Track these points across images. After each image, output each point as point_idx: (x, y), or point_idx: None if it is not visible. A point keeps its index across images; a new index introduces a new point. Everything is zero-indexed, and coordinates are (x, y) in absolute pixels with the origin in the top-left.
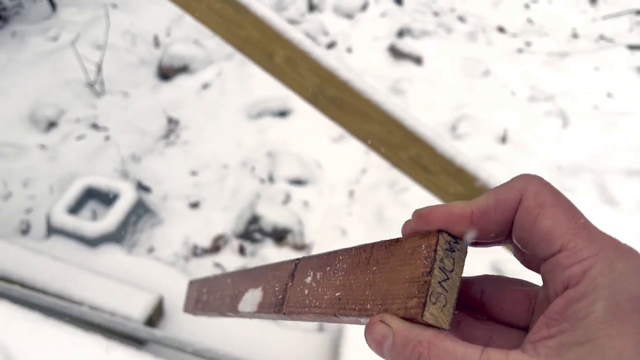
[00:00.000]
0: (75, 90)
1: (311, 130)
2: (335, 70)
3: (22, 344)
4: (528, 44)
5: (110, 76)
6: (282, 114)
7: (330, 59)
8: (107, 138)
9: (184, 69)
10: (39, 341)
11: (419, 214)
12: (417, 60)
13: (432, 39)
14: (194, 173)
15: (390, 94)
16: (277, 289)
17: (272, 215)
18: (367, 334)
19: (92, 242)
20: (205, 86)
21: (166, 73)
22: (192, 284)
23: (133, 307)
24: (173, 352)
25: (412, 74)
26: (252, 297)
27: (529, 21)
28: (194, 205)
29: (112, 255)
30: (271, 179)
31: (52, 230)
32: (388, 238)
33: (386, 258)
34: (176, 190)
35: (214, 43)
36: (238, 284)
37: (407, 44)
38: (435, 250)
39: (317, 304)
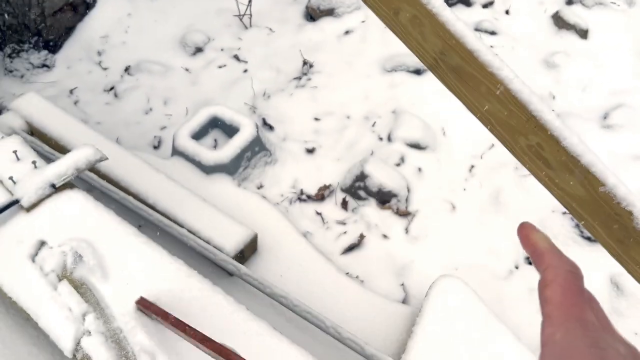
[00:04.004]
0: (225, 20)
1: (444, 93)
2: (462, 37)
3: (114, 253)
4: None
5: (260, 10)
6: (417, 71)
7: (458, 24)
8: (245, 71)
9: (330, 12)
10: (128, 253)
11: (533, 251)
12: (583, 33)
13: (606, 11)
14: (316, 119)
15: (540, 66)
16: None
17: (381, 175)
18: None
19: (207, 170)
20: (347, 32)
21: (312, 14)
22: None
23: (227, 240)
24: (252, 289)
25: (572, 47)
26: None
27: None
28: (310, 150)
29: (222, 185)
30: (389, 138)
31: (175, 151)
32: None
33: None
34: (296, 133)
35: None
36: None
37: (575, 13)
38: None
39: None
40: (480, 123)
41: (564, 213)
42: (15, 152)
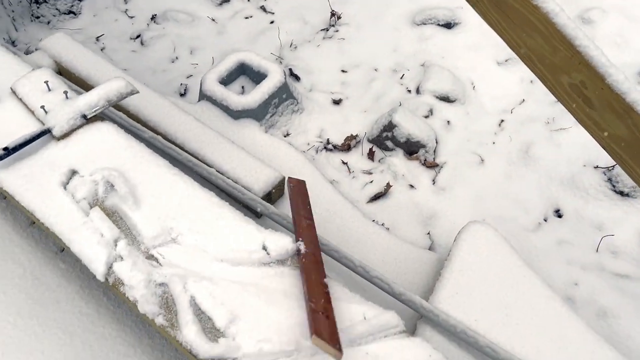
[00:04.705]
0: None
1: (475, 47)
2: None
3: (146, 184)
4: None
5: None
6: (448, 25)
7: None
8: (272, 22)
9: None
10: (160, 183)
11: None
12: None
13: None
14: (343, 71)
15: (575, 22)
16: None
17: (409, 126)
18: None
19: (234, 115)
20: None
21: None
22: None
23: (255, 180)
24: (280, 229)
25: (608, 3)
26: None
27: None
28: (337, 102)
29: (249, 130)
30: (418, 91)
31: (202, 95)
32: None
33: None
34: (323, 84)
35: None
36: None
37: None
38: None
39: None
40: (521, 61)
41: (596, 167)
42: (46, 82)
